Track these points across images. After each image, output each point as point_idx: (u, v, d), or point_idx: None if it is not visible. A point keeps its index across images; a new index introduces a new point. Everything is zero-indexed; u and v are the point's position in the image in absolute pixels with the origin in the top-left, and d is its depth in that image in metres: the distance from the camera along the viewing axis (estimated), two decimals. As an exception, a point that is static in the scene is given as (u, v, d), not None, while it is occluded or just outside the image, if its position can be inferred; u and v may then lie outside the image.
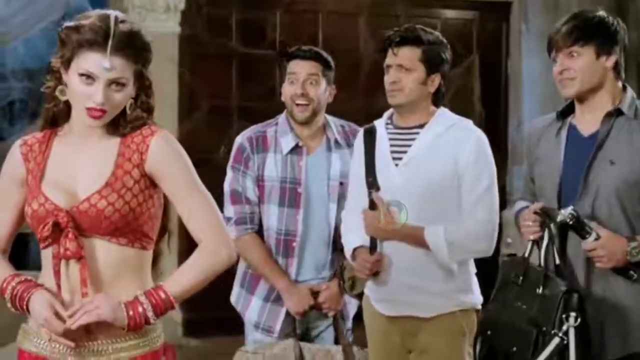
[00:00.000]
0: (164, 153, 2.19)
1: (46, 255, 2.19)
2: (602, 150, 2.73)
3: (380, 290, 3.12)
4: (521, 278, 2.76)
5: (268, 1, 6.39)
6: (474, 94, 6.74)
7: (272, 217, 3.37)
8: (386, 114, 3.20)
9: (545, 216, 2.74)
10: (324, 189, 3.38)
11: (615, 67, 2.78)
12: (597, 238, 2.64)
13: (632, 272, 2.68)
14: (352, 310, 3.50)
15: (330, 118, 3.49)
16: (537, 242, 2.79)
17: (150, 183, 2.21)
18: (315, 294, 3.36)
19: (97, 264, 2.16)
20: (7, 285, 2.20)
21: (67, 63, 2.15)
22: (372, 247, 3.10)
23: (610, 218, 2.71)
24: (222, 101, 6.17)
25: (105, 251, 2.17)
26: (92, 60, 2.11)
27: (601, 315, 2.70)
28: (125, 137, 2.20)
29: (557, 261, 2.70)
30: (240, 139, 3.44)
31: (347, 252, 3.19)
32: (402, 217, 3.01)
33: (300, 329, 3.40)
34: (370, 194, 3.08)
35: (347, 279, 3.26)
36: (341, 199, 3.37)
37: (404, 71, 3.05)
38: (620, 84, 2.81)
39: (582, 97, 2.81)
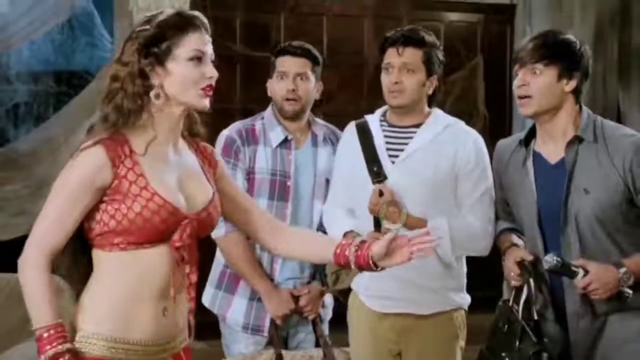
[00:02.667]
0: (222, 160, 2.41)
1: (135, 258, 2.15)
2: (574, 180, 2.75)
3: (372, 286, 3.09)
4: (506, 327, 2.82)
5: (272, 4, 6.40)
6: (479, 97, 6.73)
7: None
8: (379, 111, 3.20)
9: (526, 270, 2.78)
10: (310, 184, 3.33)
11: (575, 91, 2.80)
12: (585, 274, 2.66)
13: (626, 292, 2.69)
14: (328, 314, 3.46)
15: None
16: (519, 289, 2.83)
17: None
18: (295, 298, 3.29)
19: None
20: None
21: (165, 55, 2.17)
22: (377, 227, 3.04)
23: (596, 243, 2.74)
24: (225, 104, 6.16)
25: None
26: (199, 40, 2.25)
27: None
28: (194, 144, 2.30)
29: (536, 317, 2.75)
30: (227, 132, 3.35)
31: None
32: (402, 218, 3.00)
33: (281, 334, 3.33)
34: (377, 182, 3.02)
35: (330, 273, 3.19)
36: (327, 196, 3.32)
37: (407, 72, 3.05)
38: (578, 106, 2.82)
39: (540, 120, 2.82)
